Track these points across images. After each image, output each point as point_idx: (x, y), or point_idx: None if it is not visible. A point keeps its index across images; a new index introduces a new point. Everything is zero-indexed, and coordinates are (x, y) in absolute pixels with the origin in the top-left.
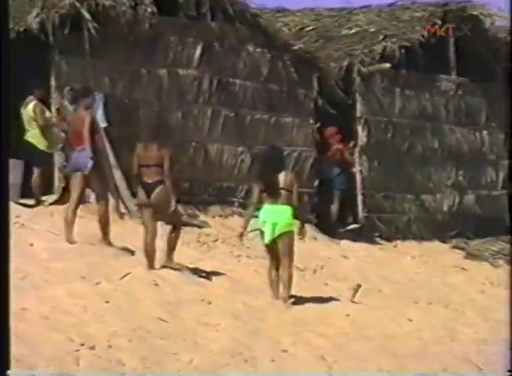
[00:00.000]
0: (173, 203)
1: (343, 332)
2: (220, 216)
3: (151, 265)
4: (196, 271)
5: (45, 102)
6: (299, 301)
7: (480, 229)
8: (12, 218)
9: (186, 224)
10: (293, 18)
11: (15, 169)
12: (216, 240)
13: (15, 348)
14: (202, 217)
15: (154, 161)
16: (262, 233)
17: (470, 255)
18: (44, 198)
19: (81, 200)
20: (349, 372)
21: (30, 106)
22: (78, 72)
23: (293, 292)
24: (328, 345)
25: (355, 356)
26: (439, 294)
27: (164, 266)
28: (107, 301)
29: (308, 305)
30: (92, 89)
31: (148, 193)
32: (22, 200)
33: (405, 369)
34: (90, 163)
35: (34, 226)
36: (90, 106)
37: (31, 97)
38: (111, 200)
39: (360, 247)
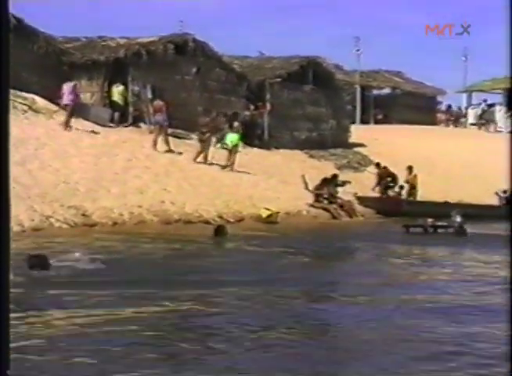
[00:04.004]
0: (212, 138)
1: (207, 183)
2: None
3: (195, 160)
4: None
5: (126, 86)
6: (210, 169)
7: (317, 146)
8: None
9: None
10: (249, 60)
11: (106, 112)
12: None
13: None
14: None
15: (206, 123)
16: (226, 144)
17: (311, 156)
18: (122, 125)
19: (162, 131)
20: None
21: (120, 87)
22: (140, 76)
23: (208, 169)
24: (192, 188)
25: (201, 192)
26: (279, 171)
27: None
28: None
29: (208, 172)
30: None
31: (203, 134)
32: (109, 124)
33: (221, 194)
34: (164, 122)
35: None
36: (162, 105)
37: (119, 84)
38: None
39: (261, 151)
